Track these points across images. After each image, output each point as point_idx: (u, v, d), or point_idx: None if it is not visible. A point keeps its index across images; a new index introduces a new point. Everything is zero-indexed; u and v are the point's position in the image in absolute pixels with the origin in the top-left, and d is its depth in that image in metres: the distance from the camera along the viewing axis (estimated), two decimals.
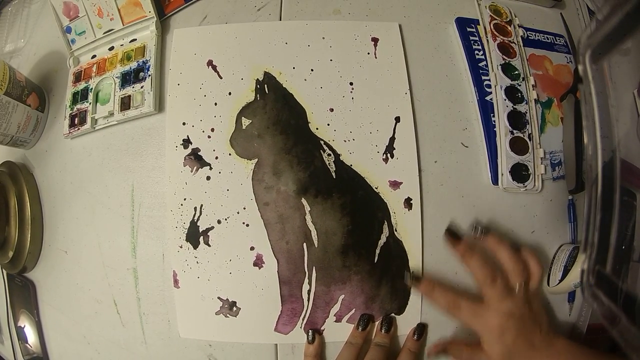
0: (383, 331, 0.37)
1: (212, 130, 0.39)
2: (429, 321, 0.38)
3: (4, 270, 0.47)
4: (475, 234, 0.36)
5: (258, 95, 0.39)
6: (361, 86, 0.40)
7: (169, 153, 0.39)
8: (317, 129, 0.39)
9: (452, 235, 0.36)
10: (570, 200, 0.40)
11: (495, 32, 0.42)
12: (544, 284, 0.39)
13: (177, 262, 0.38)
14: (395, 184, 0.38)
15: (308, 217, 0.37)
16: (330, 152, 0.38)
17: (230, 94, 0.40)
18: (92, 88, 0.42)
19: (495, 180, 0.39)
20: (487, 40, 0.41)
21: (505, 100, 0.39)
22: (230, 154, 0.38)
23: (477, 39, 0.42)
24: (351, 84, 0.40)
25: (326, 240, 0.37)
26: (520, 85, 0.40)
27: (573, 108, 0.38)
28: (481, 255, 0.35)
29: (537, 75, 0.41)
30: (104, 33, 0.43)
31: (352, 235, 0.37)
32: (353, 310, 0.37)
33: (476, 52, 0.41)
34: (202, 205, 0.38)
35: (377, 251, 0.37)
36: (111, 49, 0.43)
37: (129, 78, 0.41)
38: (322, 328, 0.37)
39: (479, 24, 0.42)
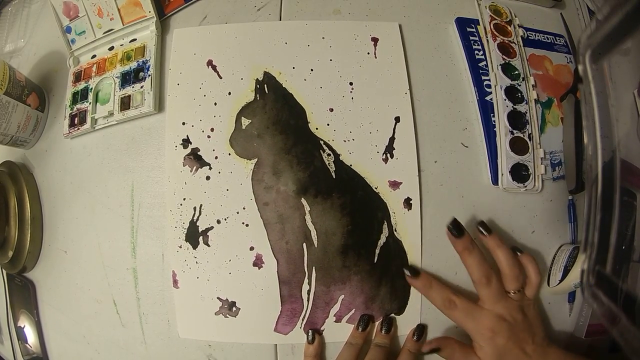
0: (383, 332, 0.37)
1: (212, 130, 0.39)
2: (429, 322, 0.38)
3: (3, 270, 0.47)
4: (478, 232, 0.36)
5: (258, 95, 0.39)
6: (361, 86, 0.40)
7: (168, 153, 0.39)
8: (316, 129, 0.39)
9: (454, 230, 0.35)
10: (570, 201, 0.40)
11: (495, 32, 0.42)
12: (544, 284, 0.39)
13: (177, 262, 0.38)
14: (395, 184, 0.38)
15: (308, 217, 0.37)
16: (330, 152, 0.38)
17: (230, 93, 0.40)
18: (92, 88, 0.42)
19: (495, 181, 0.38)
20: (487, 40, 0.41)
21: (505, 100, 0.39)
22: (229, 154, 0.38)
23: (477, 39, 0.42)
24: (351, 84, 0.40)
25: (326, 240, 0.37)
26: (520, 85, 0.40)
27: (573, 108, 0.38)
28: (480, 254, 0.35)
29: (537, 75, 0.41)
30: (104, 33, 0.43)
31: (351, 235, 0.37)
32: (353, 311, 0.37)
33: (476, 52, 0.41)
34: (201, 205, 0.38)
35: (377, 251, 0.37)
36: (111, 48, 0.44)
37: (129, 78, 0.41)
38: (321, 328, 0.37)
39: (479, 24, 0.42)
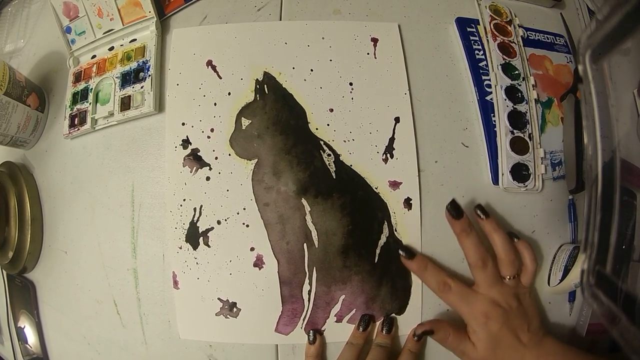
0: (384, 332, 0.37)
1: (212, 130, 0.39)
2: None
3: (3, 271, 0.47)
4: (475, 215, 0.36)
5: (258, 96, 0.39)
6: (361, 86, 0.40)
7: (168, 153, 0.39)
8: (316, 129, 0.39)
9: (453, 211, 0.35)
10: (570, 200, 0.40)
11: (496, 32, 0.42)
12: (544, 284, 0.39)
13: (177, 263, 0.38)
14: (395, 184, 0.38)
15: (308, 218, 0.37)
16: (330, 152, 0.38)
17: (229, 94, 0.40)
18: (92, 88, 0.42)
19: (495, 180, 0.38)
20: (487, 40, 0.41)
21: (505, 100, 0.39)
22: (229, 155, 0.38)
23: (477, 38, 0.42)
24: (351, 84, 0.40)
25: (326, 240, 0.37)
26: (520, 85, 0.40)
27: (573, 108, 0.38)
28: (477, 237, 0.35)
29: (537, 75, 0.41)
30: (104, 33, 0.43)
31: (352, 235, 0.37)
32: (354, 311, 0.37)
33: (476, 52, 0.41)
34: (201, 206, 0.38)
35: (377, 251, 0.37)
36: (111, 49, 0.43)
37: (129, 78, 0.41)
38: (322, 328, 0.37)
39: (479, 24, 0.42)
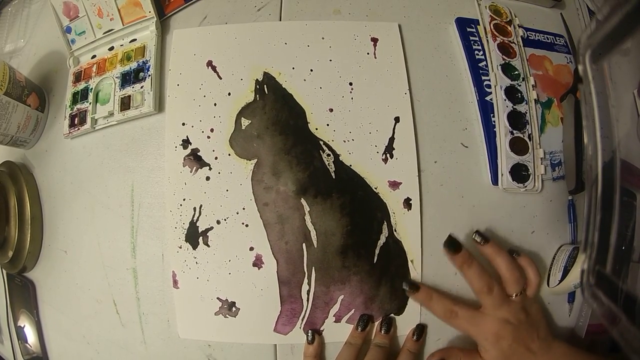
0: (383, 332, 0.37)
1: (212, 130, 0.39)
2: (428, 322, 0.37)
3: (3, 270, 0.47)
4: (474, 241, 0.36)
5: (257, 96, 0.39)
6: (361, 86, 0.40)
7: (168, 153, 0.39)
8: (316, 129, 0.39)
9: (452, 246, 0.36)
10: (570, 201, 0.40)
11: (495, 32, 0.42)
12: (544, 284, 0.39)
13: (177, 262, 0.38)
14: (394, 184, 0.38)
15: (307, 218, 0.37)
16: (329, 152, 0.38)
17: (229, 94, 0.40)
18: (92, 88, 0.42)
19: (495, 181, 0.38)
20: (487, 41, 0.41)
21: (505, 100, 0.39)
22: (229, 155, 0.38)
23: (477, 39, 0.41)
24: (350, 84, 0.40)
25: (325, 240, 0.37)
26: (520, 86, 0.40)
27: (573, 108, 0.38)
28: (479, 265, 0.35)
29: (537, 76, 0.41)
30: (104, 33, 0.43)
31: (351, 235, 0.37)
32: (352, 311, 0.37)
33: (476, 52, 0.41)
34: (201, 206, 0.38)
35: (377, 251, 0.37)
36: (111, 49, 0.44)
37: (129, 78, 0.41)
38: (321, 328, 0.37)
39: (479, 24, 0.42)
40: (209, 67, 0.40)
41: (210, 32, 0.42)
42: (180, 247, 0.38)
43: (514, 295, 0.35)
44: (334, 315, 0.37)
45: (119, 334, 0.40)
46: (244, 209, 0.38)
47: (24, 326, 0.44)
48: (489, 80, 0.40)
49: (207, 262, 0.38)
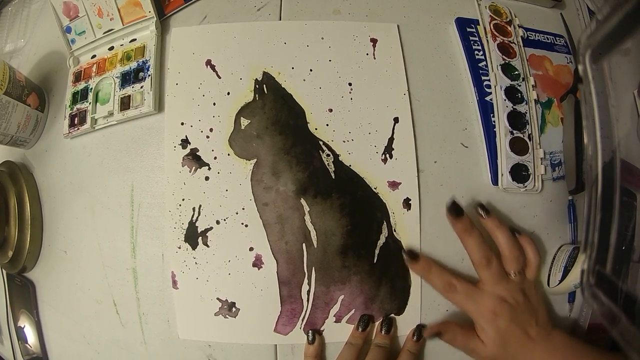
0: (383, 332, 0.37)
1: (211, 130, 0.39)
2: (429, 322, 0.37)
3: (3, 270, 0.47)
4: (476, 213, 0.36)
5: (257, 96, 0.39)
6: (360, 87, 0.40)
7: (167, 153, 0.39)
8: (316, 129, 0.39)
9: (454, 211, 0.35)
10: (570, 201, 0.40)
11: (495, 32, 0.42)
12: (544, 284, 0.39)
13: (176, 262, 0.38)
14: (394, 185, 0.38)
15: (307, 218, 0.37)
16: (329, 152, 0.38)
17: (229, 94, 0.40)
18: (92, 88, 0.42)
19: (495, 181, 0.38)
20: (487, 41, 0.41)
21: (505, 100, 0.39)
22: (229, 154, 0.38)
23: (477, 39, 0.41)
24: (350, 84, 0.40)
25: (325, 240, 0.37)
26: (520, 86, 0.40)
27: (573, 108, 0.38)
28: (479, 236, 0.35)
29: (537, 76, 0.41)
30: (104, 33, 0.43)
31: (351, 235, 0.37)
32: (352, 311, 0.37)
33: (476, 52, 0.41)
34: (200, 206, 0.38)
35: (377, 251, 0.37)
36: (111, 48, 0.44)
37: (129, 78, 0.41)
38: (321, 328, 0.37)
39: (479, 24, 0.42)
40: (208, 67, 0.40)
41: (209, 31, 0.42)
42: (180, 248, 0.38)
43: (512, 273, 0.35)
44: (334, 316, 0.37)
45: (119, 334, 0.40)
46: (243, 209, 0.38)
47: (24, 326, 0.44)
48: (489, 80, 0.40)
49: (207, 262, 0.38)
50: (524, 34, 0.43)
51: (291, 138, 0.38)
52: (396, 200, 0.38)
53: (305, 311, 0.37)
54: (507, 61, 0.40)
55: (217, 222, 0.38)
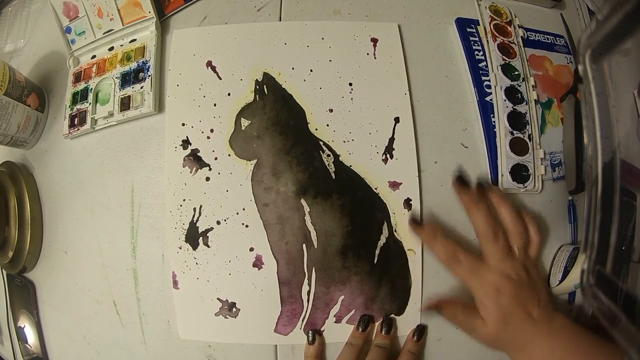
0: (383, 332, 0.37)
1: (212, 131, 0.39)
2: (429, 322, 0.37)
3: (3, 271, 0.47)
4: (481, 186, 0.35)
5: (257, 96, 0.39)
6: (360, 87, 0.40)
7: (168, 154, 0.39)
8: (316, 129, 0.39)
9: (461, 182, 0.35)
10: (570, 201, 0.40)
11: (495, 33, 0.42)
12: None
13: (177, 263, 0.38)
14: (394, 185, 0.38)
15: (307, 218, 0.37)
16: (329, 152, 0.38)
17: (229, 94, 0.40)
18: (91, 88, 0.42)
19: (495, 181, 0.38)
20: (487, 41, 0.41)
21: (505, 100, 0.39)
22: (229, 155, 0.38)
23: (477, 39, 0.41)
24: (350, 84, 0.40)
25: (326, 241, 0.37)
26: (520, 86, 0.40)
27: (573, 108, 0.38)
28: (486, 209, 0.34)
29: (537, 76, 0.41)
30: (104, 33, 0.43)
31: (351, 236, 0.37)
32: (353, 311, 0.37)
33: (476, 52, 0.41)
34: (201, 206, 0.38)
35: (377, 252, 0.37)
36: (111, 49, 0.43)
37: (129, 78, 0.41)
38: (322, 329, 0.37)
39: (479, 25, 0.42)
40: (209, 68, 0.40)
41: (209, 32, 0.42)
42: (180, 248, 0.38)
43: (516, 248, 0.34)
44: (334, 316, 0.37)
45: (119, 334, 0.40)
46: (244, 209, 0.38)
47: (24, 327, 0.44)
48: (489, 80, 0.40)
49: (207, 262, 0.38)
50: (524, 34, 0.43)
51: (291, 138, 0.38)
52: (397, 200, 0.38)
53: (306, 311, 0.37)
54: (507, 61, 0.40)
55: (218, 223, 0.38)
